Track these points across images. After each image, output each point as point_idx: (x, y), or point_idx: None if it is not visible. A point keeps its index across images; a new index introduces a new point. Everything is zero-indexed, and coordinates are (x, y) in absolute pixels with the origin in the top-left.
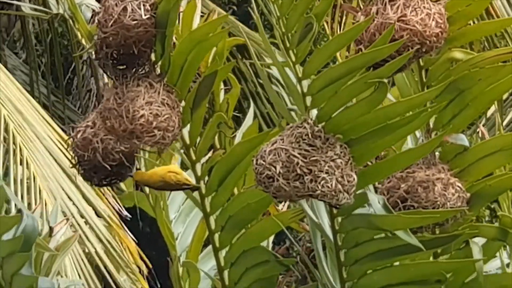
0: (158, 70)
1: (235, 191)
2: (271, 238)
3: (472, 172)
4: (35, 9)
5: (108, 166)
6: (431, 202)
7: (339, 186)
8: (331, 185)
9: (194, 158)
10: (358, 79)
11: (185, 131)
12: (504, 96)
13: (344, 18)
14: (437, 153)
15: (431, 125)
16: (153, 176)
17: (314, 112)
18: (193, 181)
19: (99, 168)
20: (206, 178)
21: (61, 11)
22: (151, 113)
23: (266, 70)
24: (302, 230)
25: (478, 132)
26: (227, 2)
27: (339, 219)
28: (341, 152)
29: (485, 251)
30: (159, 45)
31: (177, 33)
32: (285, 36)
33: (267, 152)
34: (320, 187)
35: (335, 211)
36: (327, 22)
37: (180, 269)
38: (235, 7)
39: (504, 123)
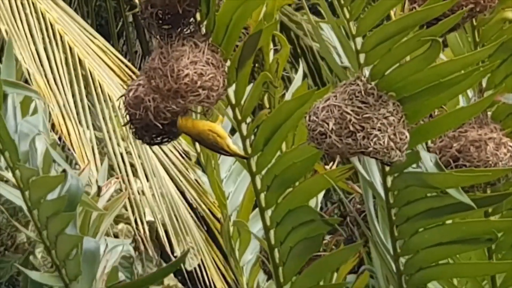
0: (204, 30)
1: (283, 149)
2: (320, 198)
3: None
4: None
5: (159, 125)
6: (483, 161)
7: (392, 143)
8: (384, 142)
9: (239, 117)
10: (411, 37)
11: (231, 90)
12: None
13: None
14: (489, 113)
15: (484, 85)
16: (194, 127)
17: (367, 70)
18: (237, 148)
19: (151, 126)
20: (252, 137)
21: None
22: (195, 72)
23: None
24: (351, 190)
25: None
26: None
27: (391, 177)
28: (393, 110)
29: None
30: (204, 4)
31: None
32: None
33: (320, 109)
34: (372, 144)
35: (387, 169)
36: None
37: (231, 229)
38: None
39: None
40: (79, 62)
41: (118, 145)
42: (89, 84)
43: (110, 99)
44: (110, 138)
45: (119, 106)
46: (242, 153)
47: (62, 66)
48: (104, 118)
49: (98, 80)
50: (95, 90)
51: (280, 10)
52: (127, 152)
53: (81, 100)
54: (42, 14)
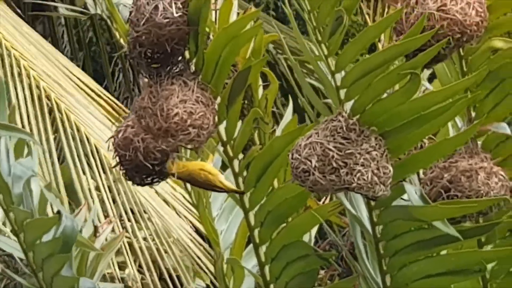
0: (193, 68)
1: (275, 185)
2: (314, 233)
3: None
4: (72, 10)
5: (149, 165)
6: (474, 191)
7: (375, 178)
8: (367, 177)
9: (231, 154)
10: (391, 71)
11: (222, 128)
12: None
13: (387, 10)
14: (479, 143)
15: (473, 115)
16: (184, 169)
17: (348, 105)
18: (229, 183)
19: (141, 167)
20: (245, 173)
21: (98, 11)
22: (185, 111)
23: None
24: (344, 224)
25: None
26: (266, 7)
27: (377, 211)
28: (376, 144)
29: None
30: (193, 43)
31: (214, 30)
32: (317, 30)
33: (302, 146)
34: (356, 179)
35: (372, 203)
36: (369, 15)
37: (225, 266)
38: (273, 12)
39: None
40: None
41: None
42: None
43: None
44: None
45: (108, 148)
46: (235, 188)
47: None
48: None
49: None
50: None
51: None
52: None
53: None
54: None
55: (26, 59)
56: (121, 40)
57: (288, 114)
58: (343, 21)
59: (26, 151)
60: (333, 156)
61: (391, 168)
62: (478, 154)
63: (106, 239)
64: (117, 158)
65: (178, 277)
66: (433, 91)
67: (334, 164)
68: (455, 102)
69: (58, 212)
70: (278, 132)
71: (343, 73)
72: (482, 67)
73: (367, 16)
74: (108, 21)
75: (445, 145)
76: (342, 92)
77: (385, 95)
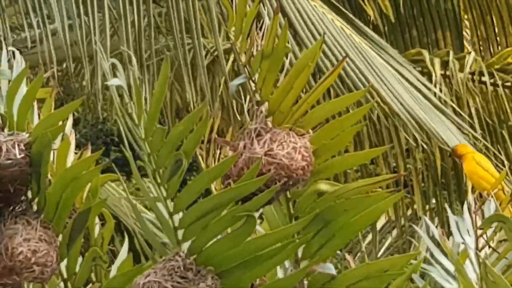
0: (35, 207)
1: None
2: None
3: None
4: None
5: None
6: None
7: None
8: None
9: None
10: (226, 213)
11: (63, 265)
12: (381, 223)
13: (219, 151)
14: (306, 282)
15: (300, 255)
16: None
17: (186, 245)
18: None
19: None
20: None
21: None
22: (29, 249)
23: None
24: None
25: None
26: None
27: None
28: (212, 283)
29: None
30: (35, 183)
31: (52, 170)
32: (156, 172)
33: (140, 285)
34: None
35: None
36: (202, 156)
37: None
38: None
39: (384, 246)
40: None
41: None
42: None
43: None
44: None
45: None
46: None
47: None
48: None
49: None
50: None
51: None
52: None
53: None
54: None
55: None
56: None
57: (124, 252)
58: (182, 164)
59: None
60: None
61: None
62: None
63: None
64: None
65: None
66: (266, 234)
67: None
68: (287, 244)
69: None
70: (113, 271)
71: (181, 214)
72: (308, 210)
73: (200, 158)
74: None
75: (277, 286)
76: (180, 233)
77: (219, 236)
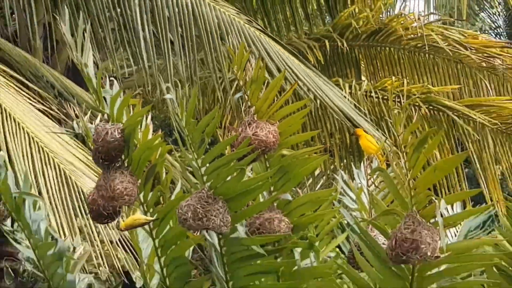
0: (126, 164)
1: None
2: (190, 250)
3: (293, 214)
4: (67, 130)
5: (106, 214)
6: (272, 230)
7: (221, 223)
8: (217, 222)
9: (146, 209)
10: (231, 166)
11: (141, 196)
12: (317, 173)
13: (228, 133)
14: (275, 204)
15: (272, 189)
16: (127, 224)
17: (207, 184)
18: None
19: (100, 214)
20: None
21: (80, 131)
22: (122, 186)
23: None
24: (206, 245)
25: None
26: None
27: (223, 240)
28: (222, 205)
29: (302, 255)
30: (126, 151)
31: (139, 142)
32: (191, 145)
33: (183, 206)
34: (211, 223)
35: (220, 236)
36: (221, 135)
37: (145, 267)
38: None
39: (318, 185)
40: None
41: None
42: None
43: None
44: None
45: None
46: (151, 219)
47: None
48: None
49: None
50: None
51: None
52: None
53: None
54: None
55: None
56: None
57: (178, 188)
58: (205, 141)
59: (38, 206)
60: (199, 211)
61: (229, 218)
62: (274, 210)
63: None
64: (89, 210)
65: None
66: (253, 177)
67: (200, 215)
68: (264, 183)
69: (56, 239)
70: (172, 196)
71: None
72: (276, 164)
73: (219, 136)
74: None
75: (258, 206)
76: (205, 177)
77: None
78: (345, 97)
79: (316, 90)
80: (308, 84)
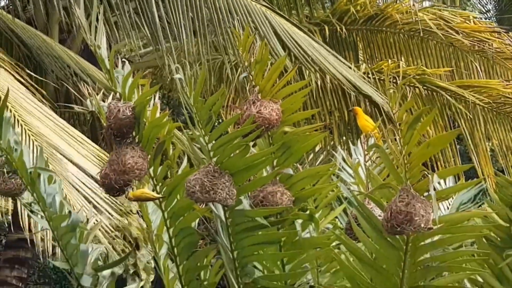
0: (137, 140)
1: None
2: (196, 222)
3: (295, 187)
4: (81, 108)
5: (117, 187)
6: (275, 203)
7: (227, 195)
8: (223, 195)
9: (156, 182)
10: (236, 142)
11: (151, 170)
12: (317, 149)
13: (233, 111)
14: (277, 178)
15: (274, 164)
16: (135, 195)
17: (214, 159)
18: (156, 195)
19: (112, 188)
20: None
21: (93, 109)
22: (133, 161)
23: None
24: (212, 217)
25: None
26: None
27: (228, 212)
28: (228, 179)
29: (302, 226)
30: (137, 128)
31: (147, 121)
32: (199, 122)
33: (191, 180)
34: (218, 196)
35: (226, 208)
36: (224, 114)
37: (154, 237)
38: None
39: (318, 161)
40: None
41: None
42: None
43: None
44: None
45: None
46: (159, 196)
47: None
48: None
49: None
50: None
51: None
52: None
53: None
54: None
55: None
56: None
57: (184, 164)
58: (212, 118)
59: (53, 180)
60: (206, 184)
61: (235, 191)
62: (277, 184)
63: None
64: (101, 183)
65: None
66: (257, 153)
67: (207, 188)
68: (267, 158)
69: (70, 211)
70: (179, 171)
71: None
72: (279, 140)
73: (223, 115)
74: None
75: (261, 180)
76: (211, 153)
77: (232, 155)
78: (349, 67)
79: (321, 61)
80: (313, 55)
